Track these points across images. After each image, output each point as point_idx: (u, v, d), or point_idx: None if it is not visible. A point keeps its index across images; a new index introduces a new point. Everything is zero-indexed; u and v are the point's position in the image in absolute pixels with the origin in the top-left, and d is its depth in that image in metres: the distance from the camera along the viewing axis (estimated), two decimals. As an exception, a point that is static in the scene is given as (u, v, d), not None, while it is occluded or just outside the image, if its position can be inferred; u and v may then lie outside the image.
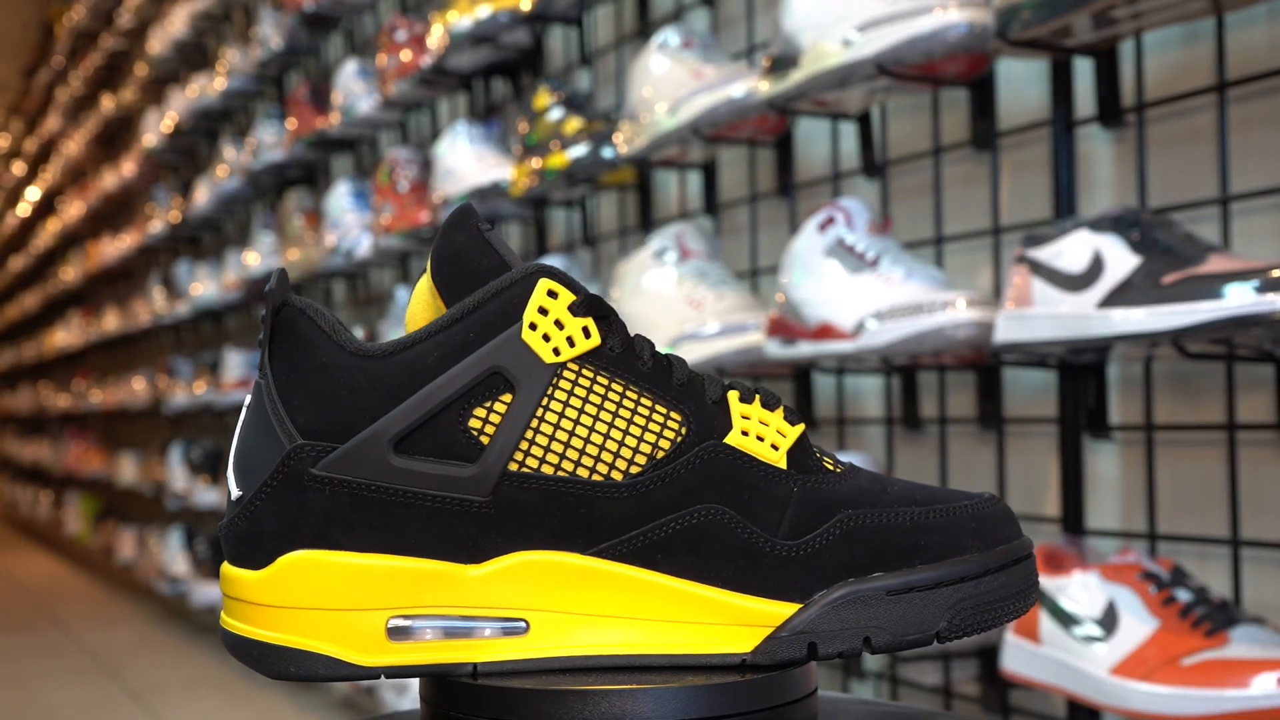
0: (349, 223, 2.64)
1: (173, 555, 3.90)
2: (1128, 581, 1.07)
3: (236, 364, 3.44)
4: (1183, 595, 1.05)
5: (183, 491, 3.88)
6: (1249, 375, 1.16)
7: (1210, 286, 0.96)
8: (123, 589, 4.96)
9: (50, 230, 6.40)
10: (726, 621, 0.52)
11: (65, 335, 6.11)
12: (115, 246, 4.95)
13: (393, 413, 0.53)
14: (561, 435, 0.53)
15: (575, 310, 0.54)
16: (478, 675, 0.53)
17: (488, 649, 0.53)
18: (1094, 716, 1.19)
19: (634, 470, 0.53)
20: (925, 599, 0.52)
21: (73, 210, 5.78)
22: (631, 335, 0.56)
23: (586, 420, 0.53)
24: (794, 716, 0.52)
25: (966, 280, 1.45)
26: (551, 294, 0.53)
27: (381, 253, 2.55)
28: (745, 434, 0.54)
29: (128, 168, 4.66)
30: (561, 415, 0.53)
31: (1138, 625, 1.05)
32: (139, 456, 4.71)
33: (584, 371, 0.53)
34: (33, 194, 7.20)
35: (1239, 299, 0.94)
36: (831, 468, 0.55)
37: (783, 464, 0.54)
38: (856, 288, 1.29)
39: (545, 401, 0.53)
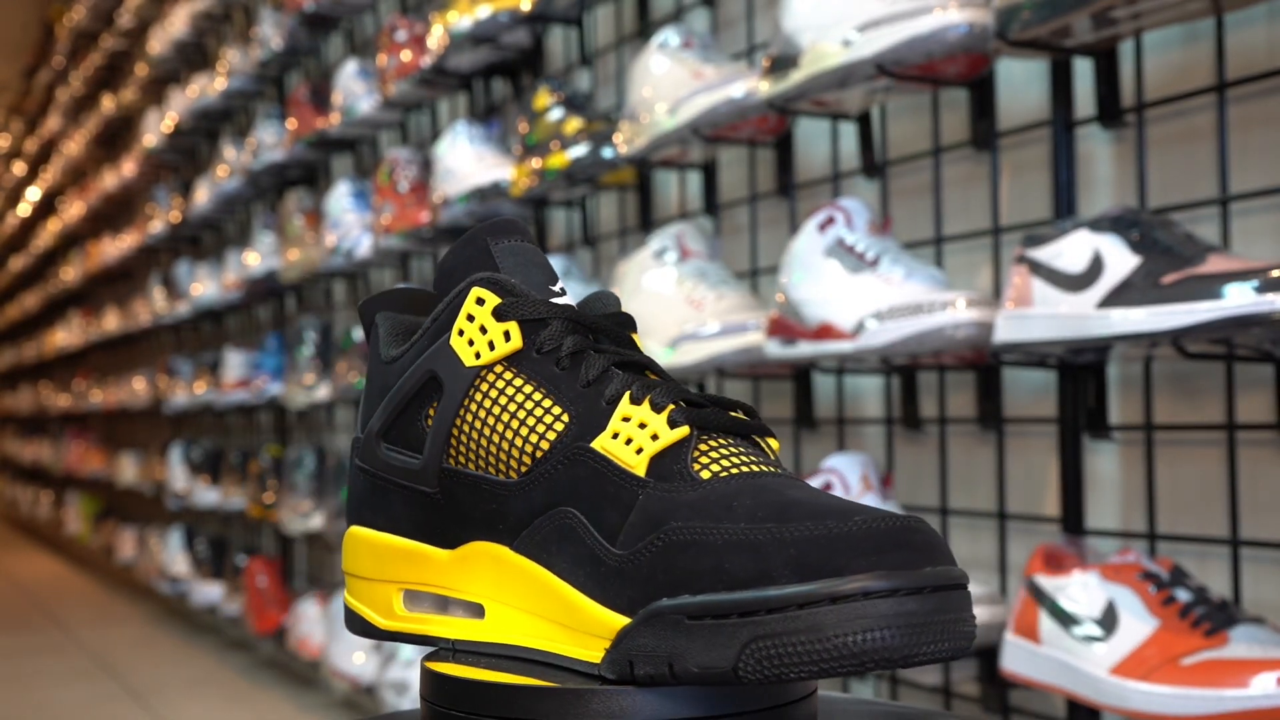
0: (349, 223, 2.64)
1: (173, 555, 3.90)
2: (1128, 581, 1.07)
3: (236, 364, 3.44)
4: (1182, 595, 1.05)
5: (183, 491, 3.88)
6: (1249, 375, 1.16)
7: (1210, 286, 0.96)
8: (123, 589, 4.96)
9: (50, 230, 6.40)
10: (583, 628, 0.51)
11: (65, 335, 6.11)
12: (115, 246, 4.95)
13: (379, 408, 0.59)
14: (475, 435, 0.56)
15: (498, 315, 0.56)
16: (455, 652, 0.57)
17: (459, 628, 0.57)
18: (1094, 716, 1.19)
19: (522, 469, 0.55)
20: (719, 630, 0.47)
21: (73, 210, 5.78)
22: (567, 337, 0.56)
23: (493, 421, 0.55)
24: (794, 716, 0.52)
25: (966, 280, 1.45)
26: (479, 301, 0.56)
27: (382, 253, 2.55)
28: (615, 436, 0.53)
29: (128, 168, 4.66)
30: (477, 416, 0.56)
31: (1137, 625, 1.05)
32: (139, 456, 4.71)
33: (504, 374, 0.56)
34: (33, 194, 7.20)
35: (1239, 299, 0.94)
36: (707, 476, 0.51)
37: (640, 469, 0.52)
38: (856, 288, 1.29)
39: (466, 402, 0.56)
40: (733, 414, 0.54)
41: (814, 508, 0.49)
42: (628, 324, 0.59)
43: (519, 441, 0.54)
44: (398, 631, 0.59)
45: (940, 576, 0.46)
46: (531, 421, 0.54)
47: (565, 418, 0.54)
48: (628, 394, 0.54)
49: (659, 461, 0.52)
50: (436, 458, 0.57)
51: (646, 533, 0.50)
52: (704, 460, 0.52)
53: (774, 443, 0.54)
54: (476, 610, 0.56)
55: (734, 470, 0.51)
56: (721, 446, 0.53)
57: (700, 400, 0.54)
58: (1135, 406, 1.27)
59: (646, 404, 0.53)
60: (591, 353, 0.55)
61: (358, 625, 0.60)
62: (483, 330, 0.56)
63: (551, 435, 0.54)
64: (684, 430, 0.52)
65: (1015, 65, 1.38)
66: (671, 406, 0.53)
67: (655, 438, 0.52)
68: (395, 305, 0.62)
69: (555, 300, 0.57)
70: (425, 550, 0.58)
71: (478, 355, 0.56)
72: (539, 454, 0.54)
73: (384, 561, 0.59)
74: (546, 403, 0.55)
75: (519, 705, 0.49)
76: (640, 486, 0.51)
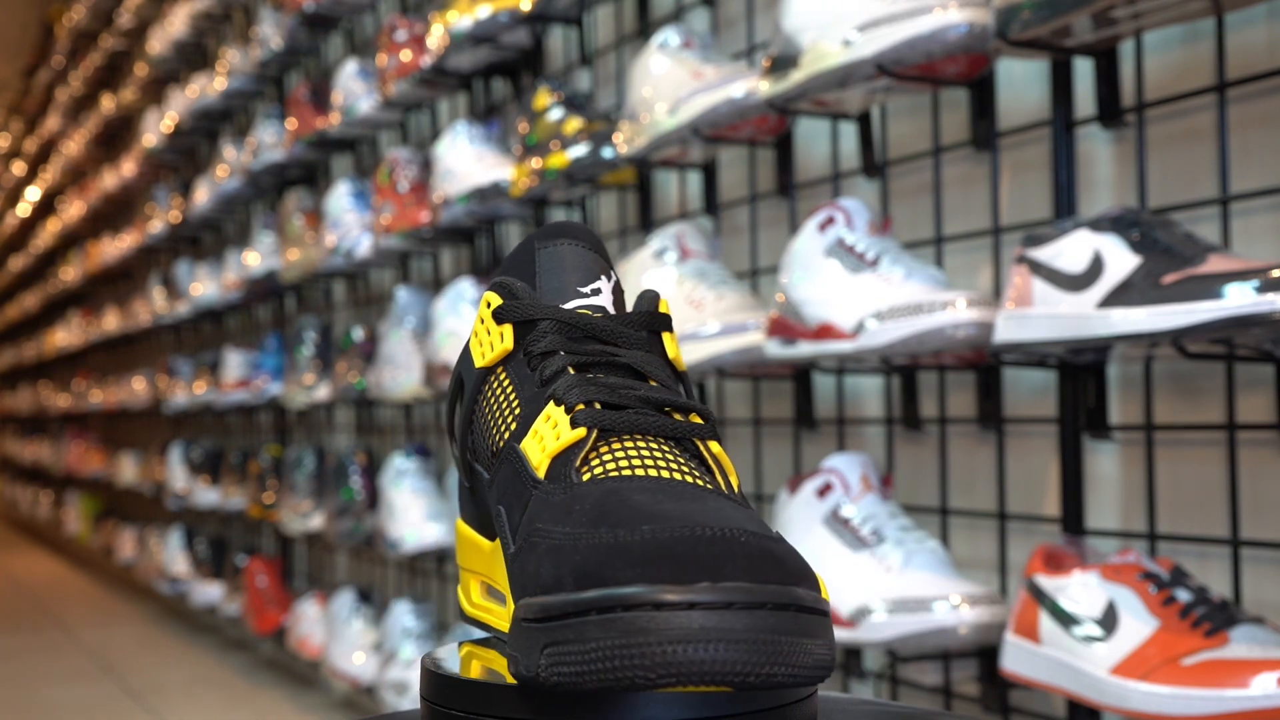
0: (349, 223, 2.64)
1: (173, 555, 3.90)
2: (1128, 581, 1.07)
3: (236, 364, 3.44)
4: (1183, 595, 1.05)
5: (183, 491, 3.88)
6: (1249, 375, 1.16)
7: (1210, 286, 0.96)
8: (123, 589, 4.96)
9: (50, 230, 6.41)
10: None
11: (65, 335, 6.11)
12: (115, 246, 4.95)
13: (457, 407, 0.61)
14: (477, 432, 0.58)
15: (496, 318, 0.57)
16: (499, 641, 0.58)
17: (500, 617, 0.57)
18: (1094, 716, 1.19)
19: (490, 467, 0.57)
20: (530, 634, 0.47)
21: (73, 210, 5.78)
22: (548, 337, 0.56)
23: (485, 419, 0.57)
24: (794, 716, 0.52)
25: (966, 280, 1.45)
26: (488, 304, 0.58)
27: (382, 253, 2.55)
28: (532, 436, 0.53)
29: (128, 168, 4.66)
30: (480, 414, 0.58)
31: (1138, 625, 1.05)
32: (139, 456, 4.71)
33: (500, 374, 0.57)
34: (33, 194, 7.20)
35: (1239, 299, 0.94)
36: (586, 479, 0.51)
37: (541, 470, 0.52)
38: (856, 288, 1.29)
39: (476, 401, 0.58)
40: (676, 416, 0.53)
41: (637, 514, 0.47)
42: (642, 322, 0.57)
43: (493, 439, 0.56)
44: (473, 618, 0.61)
45: (739, 592, 0.43)
46: (501, 420, 0.56)
47: (519, 417, 0.55)
48: (553, 394, 0.54)
49: (555, 463, 0.52)
50: (462, 454, 0.60)
51: (521, 534, 0.51)
52: (595, 463, 0.51)
53: (714, 445, 0.52)
54: (503, 599, 0.57)
55: (614, 473, 0.50)
56: (627, 449, 0.52)
57: (626, 402, 0.53)
58: (1135, 406, 1.27)
59: (563, 408, 0.53)
60: (561, 353, 0.55)
61: (459, 609, 0.63)
62: (488, 333, 0.58)
63: (507, 434, 0.55)
64: (581, 432, 0.52)
65: (1015, 65, 1.38)
66: (581, 407, 0.53)
67: (557, 439, 0.52)
68: None
69: (572, 302, 0.57)
70: (478, 541, 0.60)
71: (484, 356, 0.58)
72: (497, 452, 0.56)
73: (463, 552, 0.62)
74: (514, 402, 0.56)
75: (519, 705, 0.49)
76: (535, 487, 0.52)
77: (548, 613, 0.46)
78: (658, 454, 0.52)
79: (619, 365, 0.55)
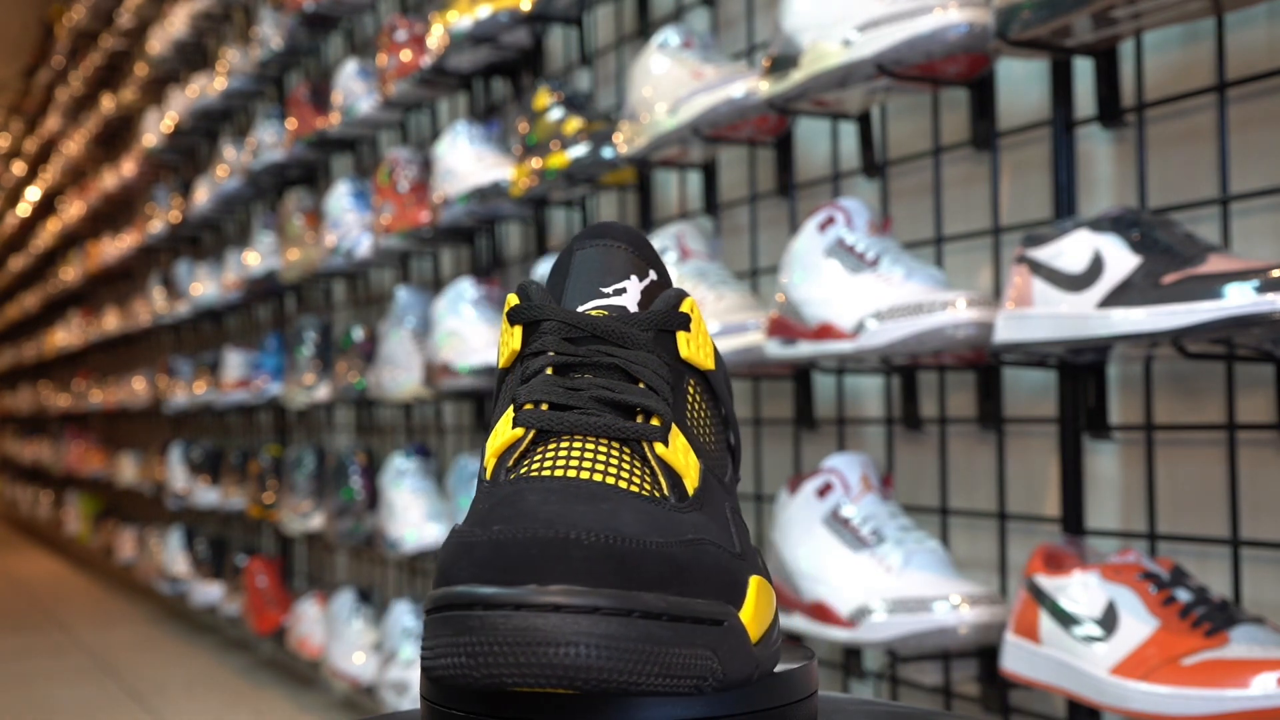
0: (349, 223, 2.64)
1: (173, 555, 3.90)
2: (1128, 581, 1.07)
3: (236, 364, 3.44)
4: (1183, 595, 1.05)
5: (183, 491, 3.88)
6: (1249, 375, 1.16)
7: (1210, 286, 0.96)
8: (123, 589, 4.96)
9: (50, 230, 6.41)
10: None
11: (65, 335, 6.11)
12: (115, 246, 4.95)
13: None
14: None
15: (509, 319, 0.57)
16: None
17: None
18: (1094, 716, 1.19)
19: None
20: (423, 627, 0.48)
21: (73, 210, 5.78)
22: (545, 337, 0.56)
23: (491, 420, 0.57)
24: (794, 716, 0.52)
25: (966, 280, 1.45)
26: (507, 306, 0.57)
27: (381, 253, 2.55)
28: (490, 436, 0.54)
29: (128, 168, 4.66)
30: (491, 415, 0.57)
31: (1138, 625, 1.05)
32: (139, 456, 4.71)
33: (508, 375, 0.57)
34: (33, 194, 7.20)
35: (1239, 299, 0.94)
36: (512, 478, 0.51)
37: (490, 470, 0.52)
38: (856, 288, 1.29)
39: (494, 401, 0.58)
40: (638, 418, 0.52)
41: (514, 515, 0.47)
42: (650, 321, 0.56)
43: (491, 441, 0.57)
44: None
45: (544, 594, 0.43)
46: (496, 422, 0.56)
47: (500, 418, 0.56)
48: (513, 395, 0.54)
49: (498, 463, 0.52)
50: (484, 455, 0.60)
51: None
52: (526, 463, 0.52)
53: (660, 447, 0.51)
54: None
55: (536, 474, 0.50)
56: (562, 450, 0.51)
57: (576, 403, 0.53)
58: (1135, 406, 1.27)
59: (513, 405, 0.53)
60: (549, 354, 0.55)
61: None
62: (506, 334, 0.58)
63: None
64: (519, 432, 0.52)
65: (1015, 65, 1.38)
66: (529, 407, 0.53)
67: (499, 438, 0.53)
68: None
69: (590, 302, 0.57)
70: None
71: (501, 357, 0.58)
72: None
73: None
74: (505, 402, 0.56)
75: (519, 705, 0.49)
76: (480, 486, 0.52)
77: (424, 608, 0.47)
78: (593, 455, 0.51)
79: (607, 366, 0.55)
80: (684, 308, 0.57)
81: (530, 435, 0.52)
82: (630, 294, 0.57)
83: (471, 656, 0.43)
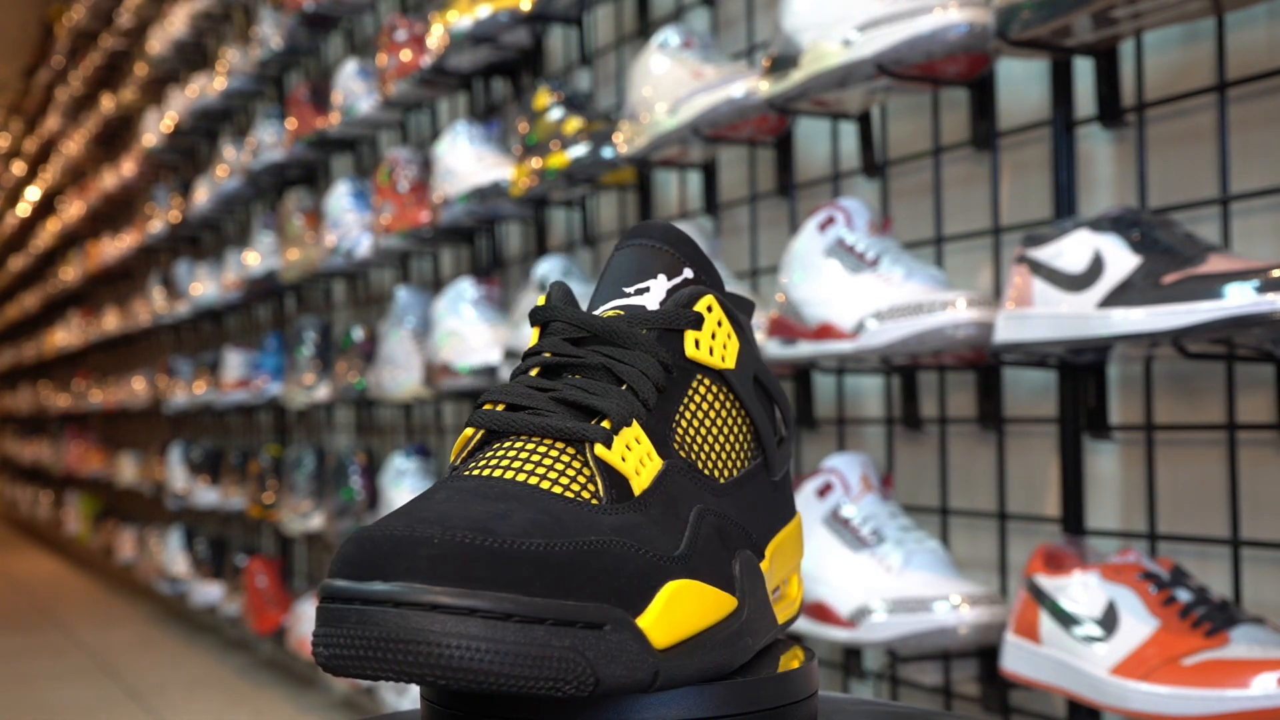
0: (349, 223, 2.64)
1: (173, 555, 3.90)
2: (1128, 581, 1.07)
3: (236, 364, 3.44)
4: (1183, 595, 1.05)
5: (183, 491, 3.88)
6: (1249, 375, 1.16)
7: (1210, 286, 0.96)
8: (123, 589, 4.96)
9: (50, 230, 6.41)
10: None
11: (65, 335, 6.11)
12: (115, 246, 4.95)
13: None
14: None
15: (530, 320, 0.57)
16: None
17: None
18: (1094, 716, 1.19)
19: None
20: None
21: (73, 210, 5.78)
22: (551, 338, 0.56)
23: None
24: (794, 716, 0.52)
25: (966, 280, 1.45)
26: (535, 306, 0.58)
27: (381, 253, 2.55)
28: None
29: (128, 168, 4.66)
30: None
31: (1138, 625, 1.05)
32: (139, 456, 4.71)
33: None
34: (33, 194, 7.20)
35: (1239, 299, 0.94)
36: (467, 474, 0.51)
37: (450, 466, 0.54)
38: (856, 288, 1.29)
39: None
40: (571, 420, 0.52)
41: (410, 511, 0.47)
42: (653, 320, 0.56)
43: None
44: None
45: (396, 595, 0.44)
46: None
47: None
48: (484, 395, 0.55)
49: (452, 461, 0.54)
50: None
51: None
52: (471, 462, 0.52)
53: (599, 448, 0.51)
54: None
55: (470, 473, 0.51)
56: (505, 450, 0.52)
57: (532, 403, 0.53)
58: (1135, 406, 1.27)
59: (475, 405, 0.55)
60: (544, 354, 0.55)
61: None
62: (533, 335, 0.58)
63: None
64: (469, 432, 0.54)
65: (1015, 65, 1.38)
66: (488, 406, 0.53)
67: (460, 438, 0.54)
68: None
69: (612, 302, 0.57)
70: None
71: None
72: None
73: None
74: None
75: (519, 705, 0.49)
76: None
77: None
78: (529, 455, 0.51)
79: (594, 366, 0.55)
80: (699, 306, 0.56)
81: (480, 435, 0.53)
82: (653, 293, 0.57)
83: (327, 647, 0.45)
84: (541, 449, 0.51)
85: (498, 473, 0.50)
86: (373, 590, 0.44)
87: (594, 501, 0.50)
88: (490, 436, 0.53)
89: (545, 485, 0.50)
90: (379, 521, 0.47)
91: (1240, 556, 1.16)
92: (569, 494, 0.50)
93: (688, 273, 0.58)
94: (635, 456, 0.52)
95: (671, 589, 0.48)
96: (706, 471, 0.55)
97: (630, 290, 0.58)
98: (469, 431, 0.54)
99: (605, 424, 0.52)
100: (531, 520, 0.47)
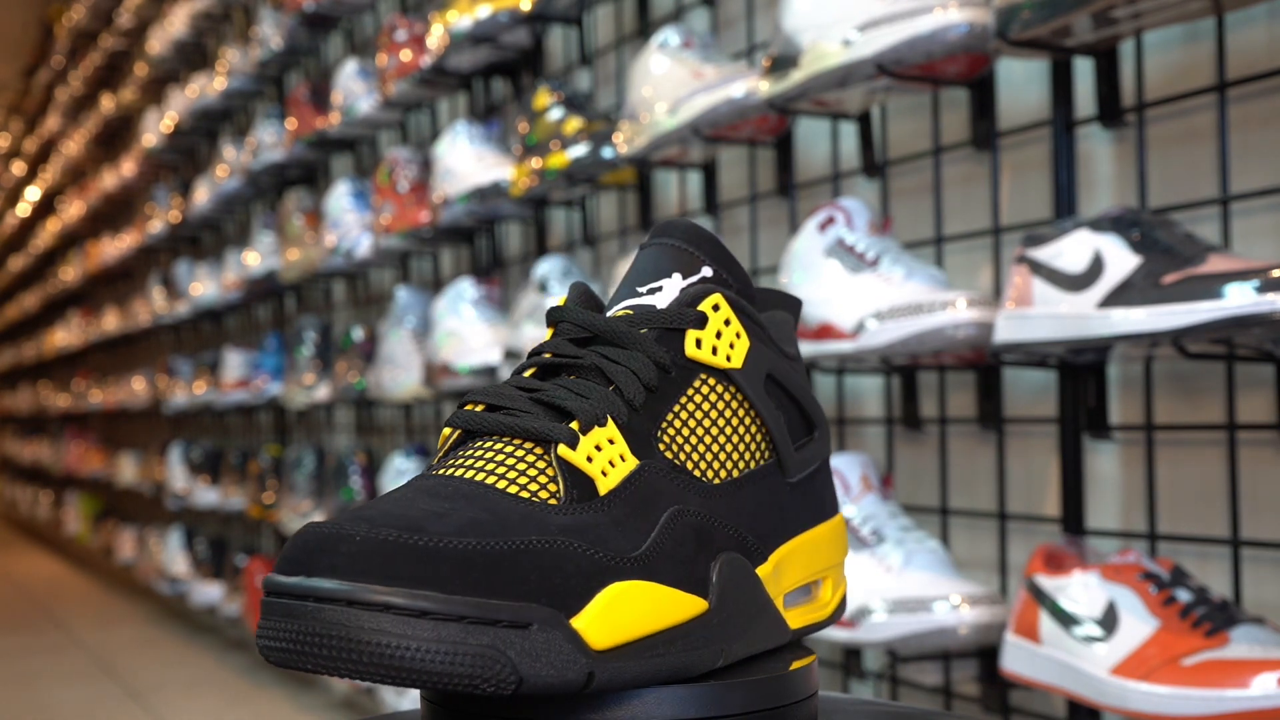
0: (349, 223, 2.64)
1: (172, 555, 3.90)
2: (1128, 581, 1.07)
3: (236, 364, 3.44)
4: (1183, 595, 1.05)
5: (183, 491, 3.88)
6: (1249, 375, 1.16)
7: (1210, 286, 0.96)
8: (123, 589, 4.96)
9: (50, 230, 6.41)
10: None
11: (65, 335, 6.11)
12: (115, 246, 4.95)
13: None
14: None
15: (546, 320, 0.58)
16: None
17: None
18: (1094, 716, 1.19)
19: None
20: None
21: (73, 210, 5.78)
22: (556, 339, 0.57)
23: None
24: (794, 716, 0.52)
25: (966, 280, 1.45)
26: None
27: (381, 253, 2.55)
28: None
29: (128, 168, 4.66)
30: None
31: (1138, 625, 1.05)
32: (139, 456, 4.71)
33: None
34: (33, 194, 7.20)
35: (1239, 299, 0.94)
36: (435, 473, 0.52)
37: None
38: (856, 288, 1.29)
39: None
40: (544, 421, 0.52)
41: (352, 508, 0.48)
42: (654, 320, 0.56)
43: None
44: None
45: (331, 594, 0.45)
46: None
47: None
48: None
49: (434, 460, 0.54)
50: None
51: None
52: (444, 462, 0.53)
53: (562, 448, 0.51)
54: None
55: (437, 472, 0.52)
56: (475, 450, 0.52)
57: (507, 403, 0.53)
58: (1135, 406, 1.27)
59: (458, 404, 0.56)
60: (545, 355, 0.56)
61: None
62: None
63: None
64: (446, 432, 0.54)
65: (1015, 65, 1.38)
66: (469, 407, 0.54)
67: (440, 437, 0.55)
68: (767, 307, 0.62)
69: (625, 302, 0.57)
70: None
71: None
72: None
73: None
74: None
75: (519, 705, 0.49)
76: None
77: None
78: (494, 455, 0.52)
79: (588, 367, 0.55)
80: (703, 305, 0.56)
81: (456, 435, 0.54)
82: (665, 293, 0.57)
83: (261, 638, 0.47)
84: (510, 449, 0.52)
85: (461, 472, 0.51)
86: (297, 585, 0.45)
87: (552, 501, 0.50)
88: (467, 436, 0.54)
89: (502, 485, 0.50)
90: (328, 518, 0.48)
91: (1240, 556, 1.16)
92: (525, 494, 0.50)
93: (706, 271, 0.58)
94: (605, 457, 0.51)
95: (616, 590, 0.48)
96: (698, 472, 0.54)
97: (643, 290, 0.58)
98: (446, 431, 0.54)
99: (574, 425, 0.52)
100: (471, 520, 0.47)
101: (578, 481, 0.51)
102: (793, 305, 0.62)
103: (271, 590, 0.46)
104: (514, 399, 0.53)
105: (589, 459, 0.51)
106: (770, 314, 0.61)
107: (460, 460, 0.52)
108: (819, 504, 0.60)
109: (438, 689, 0.45)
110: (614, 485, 0.51)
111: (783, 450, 0.57)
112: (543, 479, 0.51)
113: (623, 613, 0.48)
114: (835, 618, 0.61)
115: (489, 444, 0.52)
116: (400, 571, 0.45)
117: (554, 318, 0.57)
